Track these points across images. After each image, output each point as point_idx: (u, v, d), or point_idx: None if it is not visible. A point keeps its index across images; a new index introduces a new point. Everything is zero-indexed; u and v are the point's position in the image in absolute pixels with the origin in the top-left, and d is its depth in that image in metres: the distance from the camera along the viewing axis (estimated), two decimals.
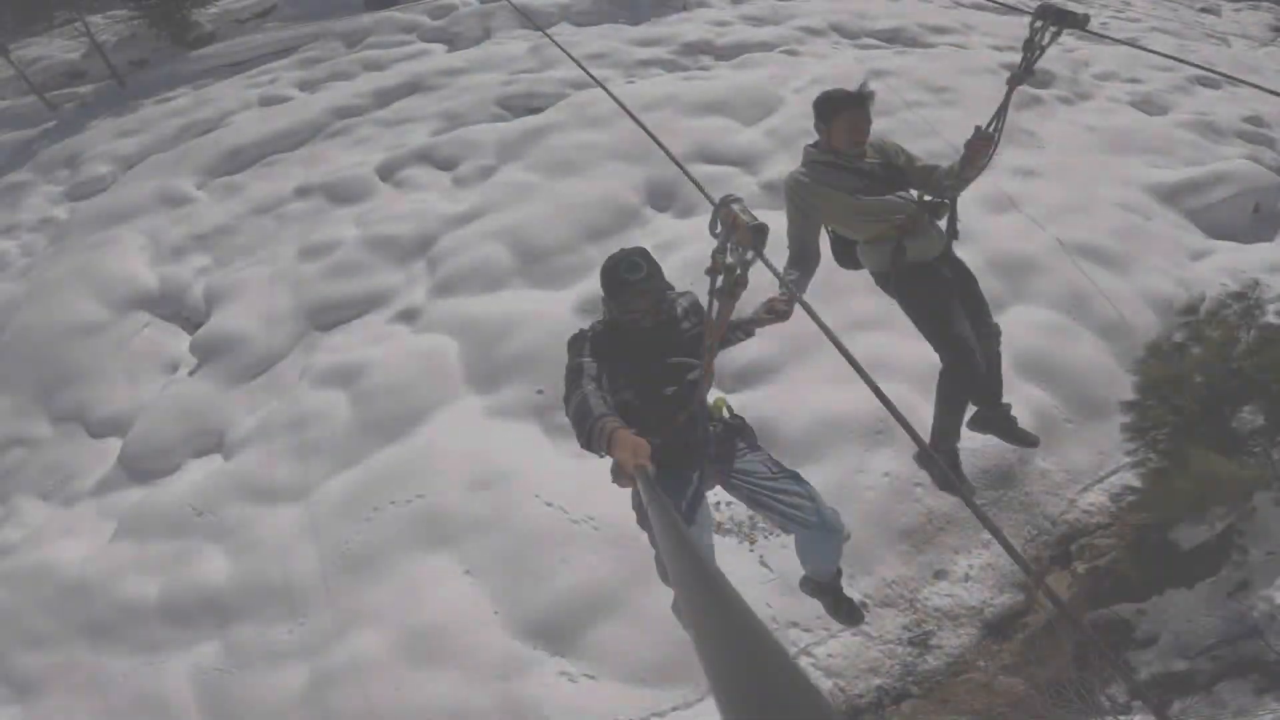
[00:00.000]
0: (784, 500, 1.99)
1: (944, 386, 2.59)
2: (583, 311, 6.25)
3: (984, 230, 6.87)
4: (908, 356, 5.33)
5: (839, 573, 2.41)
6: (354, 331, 7.02)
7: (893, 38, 11.17)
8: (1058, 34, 2.31)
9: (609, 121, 8.77)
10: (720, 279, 1.50)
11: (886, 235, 2.46)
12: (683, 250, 6.61)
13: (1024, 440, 2.82)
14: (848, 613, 2.46)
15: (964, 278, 2.63)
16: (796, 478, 2.07)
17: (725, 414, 2.15)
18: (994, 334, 2.69)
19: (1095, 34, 2.47)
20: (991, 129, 2.42)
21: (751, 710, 0.33)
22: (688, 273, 6.15)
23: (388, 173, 9.31)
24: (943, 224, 2.59)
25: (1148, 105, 9.87)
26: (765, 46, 10.71)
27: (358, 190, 9.11)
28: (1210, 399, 3.67)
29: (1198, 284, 6.45)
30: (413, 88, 11.47)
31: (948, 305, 2.47)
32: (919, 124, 8.03)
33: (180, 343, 7.86)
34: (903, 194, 2.49)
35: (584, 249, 7.06)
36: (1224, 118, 9.47)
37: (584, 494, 4.89)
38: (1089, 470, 5.54)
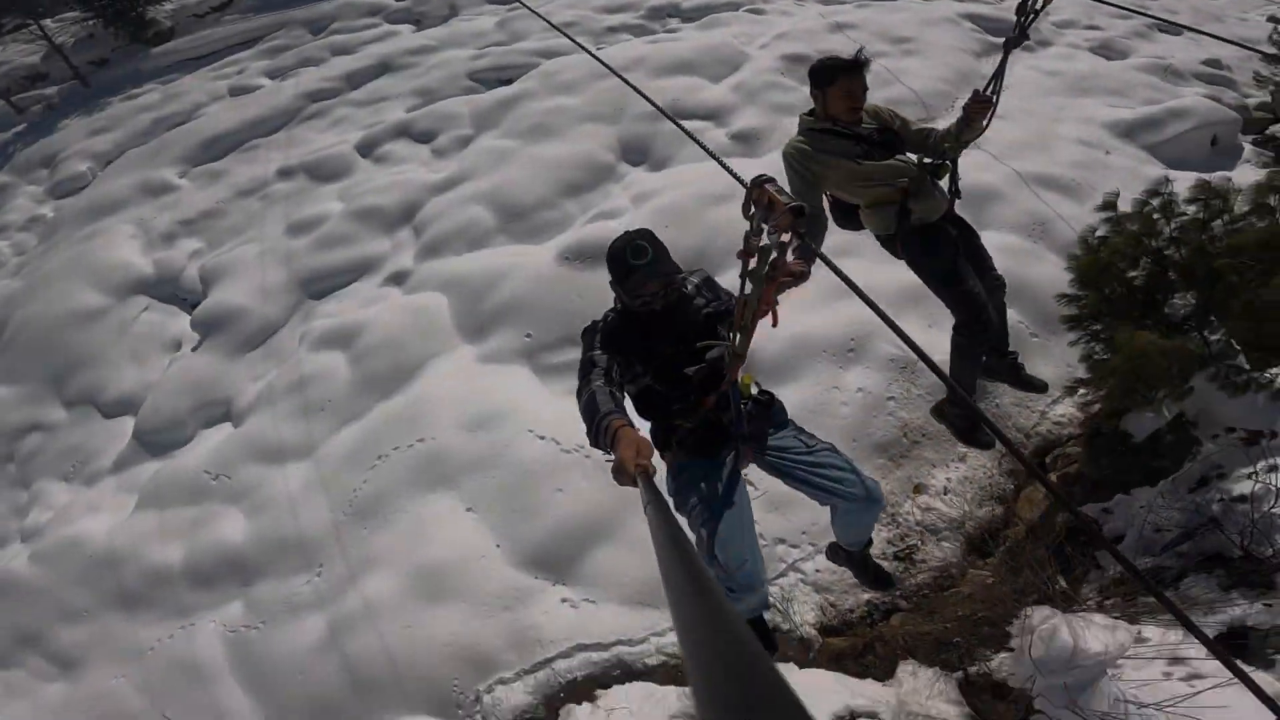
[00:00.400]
0: (825, 475, 1.95)
1: (959, 342, 2.61)
2: (564, 259, 6.51)
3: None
4: (877, 281, 5.62)
5: (870, 541, 2.37)
6: (347, 297, 7.25)
7: None
8: None
9: (579, 86, 8.95)
10: (755, 263, 1.43)
11: (890, 199, 2.45)
12: (659, 198, 6.88)
13: (1032, 386, 2.89)
14: (879, 579, 2.47)
15: (967, 234, 2.63)
16: (833, 450, 2.01)
17: (754, 391, 2.09)
18: (999, 286, 2.71)
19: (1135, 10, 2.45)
20: (989, 91, 2.41)
21: (726, 711, 0.33)
22: (664, 217, 6.44)
23: (367, 149, 9.46)
24: (943, 184, 2.57)
25: (1107, 50, 10.08)
26: (731, 6, 10.83)
27: (339, 167, 9.28)
28: (1141, 286, 3.97)
29: None
30: (384, 68, 11.56)
31: (956, 264, 2.48)
32: (881, 73, 8.24)
33: (180, 322, 8.07)
34: (902, 157, 2.47)
35: (562, 204, 7.30)
36: (1183, 61, 9.71)
37: (574, 426, 5.16)
38: (1057, 382, 5.83)
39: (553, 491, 4.89)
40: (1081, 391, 4.83)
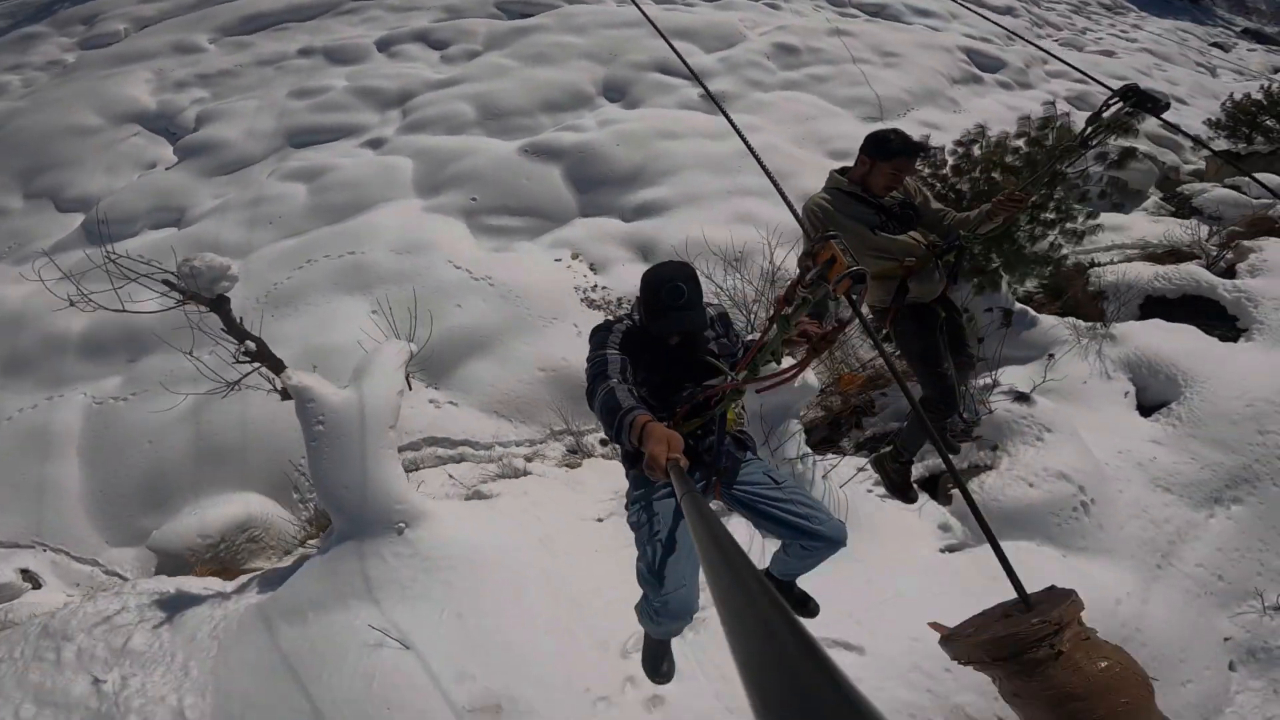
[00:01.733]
0: (792, 511, 1.97)
1: (925, 414, 2.92)
2: (523, 151, 7.37)
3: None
4: (767, 216, 6.43)
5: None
6: (325, 150, 8.07)
7: (876, 12, 12.48)
8: (1132, 115, 2.38)
9: (588, 30, 10.00)
10: (791, 309, 1.49)
11: (893, 273, 2.53)
12: (620, 125, 7.80)
13: (950, 449, 3.05)
14: (805, 607, 2.59)
15: (953, 314, 2.77)
16: (799, 489, 2.07)
17: (737, 428, 2.14)
18: (969, 363, 2.88)
19: (1169, 124, 2.57)
20: (1025, 191, 2.50)
21: (780, 703, 0.34)
22: (618, 138, 7.34)
23: (385, 45, 10.47)
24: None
25: (1080, 101, 11.07)
26: None
27: (355, 55, 10.26)
28: None
29: None
30: None
31: (936, 345, 2.63)
32: (855, 74, 9.28)
33: (164, 150, 8.88)
34: (915, 234, 2.57)
35: (538, 116, 8.22)
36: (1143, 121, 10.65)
37: (489, 263, 5.92)
38: None
39: (452, 306, 5.58)
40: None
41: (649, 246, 6.14)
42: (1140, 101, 2.29)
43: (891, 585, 2.93)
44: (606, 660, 3.05)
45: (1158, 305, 6.11)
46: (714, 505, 2.03)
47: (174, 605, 3.92)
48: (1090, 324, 5.52)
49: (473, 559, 3.30)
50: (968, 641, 1.53)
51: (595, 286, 5.89)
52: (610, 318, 2.02)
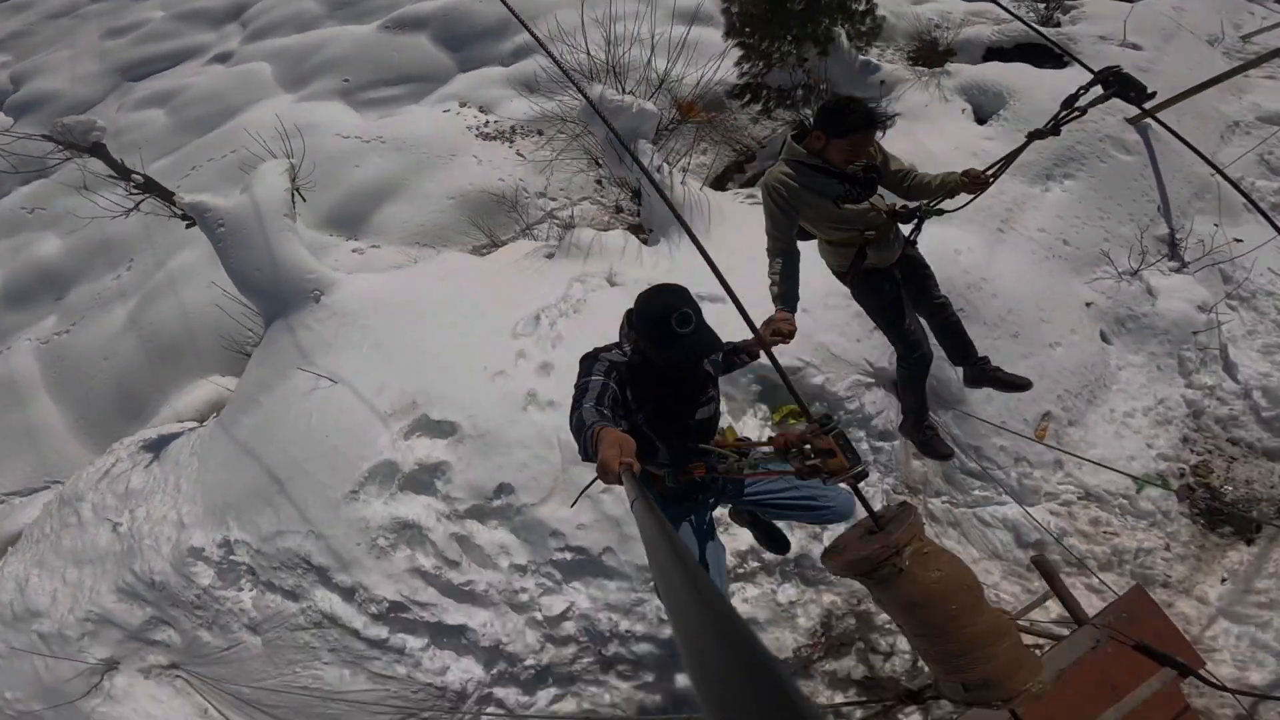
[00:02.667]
0: (797, 497, 2.11)
1: (901, 373, 2.98)
2: (385, 28, 7.63)
3: None
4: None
5: None
6: (168, 76, 7.99)
7: None
8: (1105, 99, 2.26)
9: None
10: (787, 454, 1.65)
11: (852, 242, 2.62)
12: None
13: (1016, 384, 3.05)
14: (781, 543, 2.80)
15: (916, 269, 2.87)
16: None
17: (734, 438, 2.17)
18: (945, 304, 2.95)
19: (1149, 112, 2.63)
20: (990, 173, 2.48)
21: (729, 704, 0.36)
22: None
23: None
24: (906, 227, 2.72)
25: None
26: None
27: None
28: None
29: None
30: None
31: (897, 304, 2.77)
32: None
33: None
34: (876, 200, 2.60)
35: None
36: None
37: (377, 128, 6.30)
38: None
39: (351, 169, 5.98)
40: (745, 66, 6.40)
41: (532, 81, 6.68)
42: (1122, 90, 2.22)
43: (755, 256, 3.67)
44: (499, 342, 3.74)
45: (996, 54, 7.45)
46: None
47: (158, 445, 4.47)
48: (932, 68, 6.59)
49: (385, 304, 3.93)
50: (838, 561, 1.86)
51: (487, 122, 6.41)
52: (598, 346, 2.03)
